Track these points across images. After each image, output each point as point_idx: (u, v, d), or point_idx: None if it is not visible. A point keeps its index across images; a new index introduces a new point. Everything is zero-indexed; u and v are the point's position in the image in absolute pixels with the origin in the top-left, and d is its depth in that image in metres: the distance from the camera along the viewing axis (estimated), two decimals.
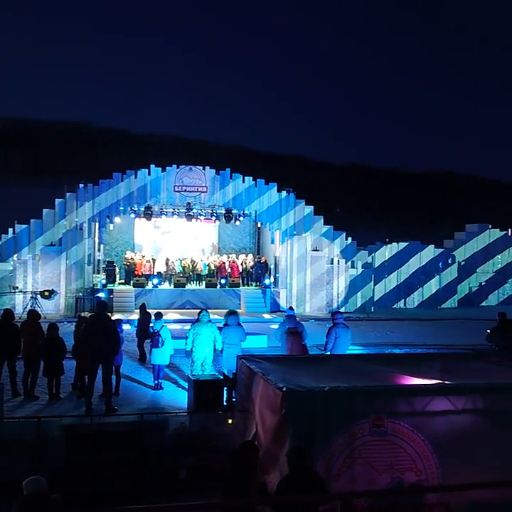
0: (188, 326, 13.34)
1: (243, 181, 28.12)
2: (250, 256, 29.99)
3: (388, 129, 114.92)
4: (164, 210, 28.10)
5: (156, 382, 13.15)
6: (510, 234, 34.10)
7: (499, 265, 33.41)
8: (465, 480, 6.40)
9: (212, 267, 28.81)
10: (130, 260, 28.02)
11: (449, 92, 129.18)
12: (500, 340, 13.21)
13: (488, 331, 13.58)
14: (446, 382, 7.70)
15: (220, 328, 13.12)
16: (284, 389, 6.83)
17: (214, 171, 27.85)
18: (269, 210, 28.35)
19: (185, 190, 27.46)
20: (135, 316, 22.27)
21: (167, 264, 28.85)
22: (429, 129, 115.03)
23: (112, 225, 28.66)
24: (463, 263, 32.54)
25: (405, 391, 7.16)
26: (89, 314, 15.71)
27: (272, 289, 27.67)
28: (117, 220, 28.33)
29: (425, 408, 6.95)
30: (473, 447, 6.98)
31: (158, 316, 13.72)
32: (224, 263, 28.75)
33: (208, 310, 14.04)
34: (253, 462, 6.04)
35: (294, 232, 28.41)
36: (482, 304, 32.43)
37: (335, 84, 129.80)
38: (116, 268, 28.24)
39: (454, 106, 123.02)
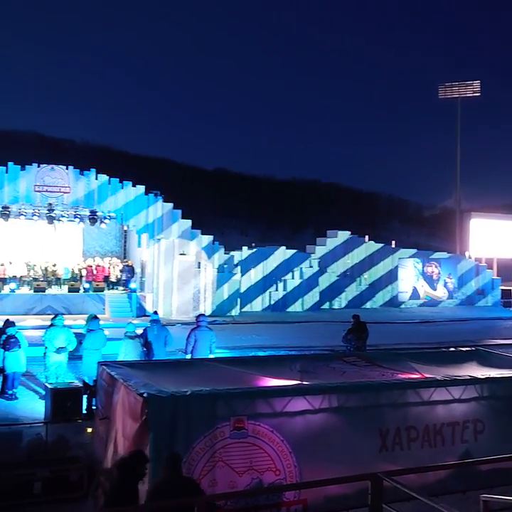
0: None
1: (109, 183, 27.39)
2: (117, 259, 29.28)
3: (257, 137, 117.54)
4: (23, 210, 26.62)
5: (11, 391, 12.42)
6: (367, 240, 36.04)
7: (354, 269, 35.13)
8: (322, 476, 6.64)
9: (76, 271, 27.79)
10: None
11: (316, 104, 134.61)
12: (355, 341, 13.92)
13: (344, 332, 14.24)
14: (304, 382, 7.96)
15: (80, 334, 12.75)
16: (145, 395, 6.73)
17: (78, 171, 26.87)
18: (135, 213, 27.80)
19: (46, 191, 26.18)
20: None
21: (27, 267, 27.40)
22: (295, 139, 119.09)
23: None
24: (323, 268, 33.85)
25: (265, 393, 7.32)
26: None
27: (138, 293, 27.19)
28: None
29: (284, 409, 7.14)
30: (329, 444, 7.27)
31: (11, 324, 12.95)
32: (91, 267, 27.85)
33: (72, 315, 13.62)
34: (141, 472, 5.78)
35: (162, 236, 28.12)
36: (339, 307, 33.95)
37: (207, 91, 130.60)
38: None
39: (322, 117, 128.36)
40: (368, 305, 34.89)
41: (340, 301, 34.36)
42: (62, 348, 12.35)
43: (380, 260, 35.95)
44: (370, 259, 35.66)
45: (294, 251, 33.29)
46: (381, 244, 36.38)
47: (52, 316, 13.23)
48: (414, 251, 38.01)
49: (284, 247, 33.10)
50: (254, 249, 32.44)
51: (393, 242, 37.31)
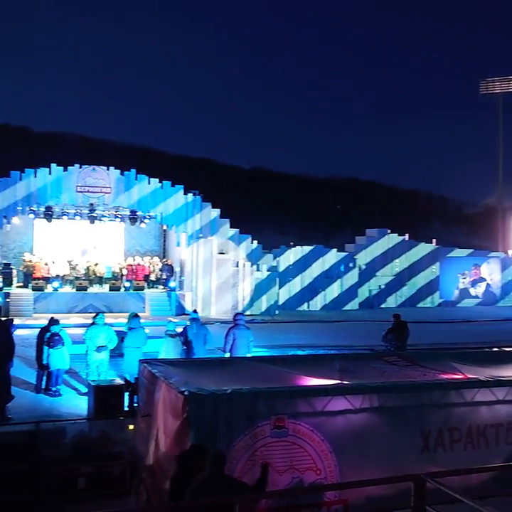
0: None
1: (149, 183, 27.70)
2: (156, 258, 29.64)
3: (294, 136, 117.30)
4: (66, 210, 27.17)
5: (55, 388, 12.69)
6: (407, 239, 35.58)
7: (397, 269, 34.77)
8: (363, 476, 6.60)
9: (118, 270, 28.21)
10: (29, 263, 26.91)
11: (353, 100, 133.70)
12: (395, 341, 13.76)
13: (384, 331, 14.09)
14: (344, 382, 7.92)
15: (122, 332, 12.95)
16: (186, 393, 6.79)
17: (118, 171, 27.26)
18: (175, 212, 28.07)
19: (88, 191, 26.68)
20: (32, 320, 21.53)
21: (70, 266, 27.95)
22: (332, 137, 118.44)
23: (9, 226, 27.37)
24: (363, 267, 33.58)
25: (305, 392, 7.30)
26: None
27: (177, 292, 27.45)
28: (15, 220, 27.11)
29: (325, 408, 7.12)
30: (370, 444, 7.22)
31: (55, 322, 13.24)
32: (131, 266, 28.24)
33: (113, 313, 13.87)
34: (200, 466, 5.85)
35: (200, 235, 28.31)
36: (381, 306, 33.64)
37: (244, 90, 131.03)
38: (14, 270, 27.05)
39: (359, 114, 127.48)
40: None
41: (389, 301, 34.08)
42: (102, 346, 12.55)
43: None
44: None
45: (337, 252, 32.96)
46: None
47: (94, 315, 13.49)
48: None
49: (330, 250, 32.89)
50: (297, 252, 32.12)
51: (434, 241, 36.76)
